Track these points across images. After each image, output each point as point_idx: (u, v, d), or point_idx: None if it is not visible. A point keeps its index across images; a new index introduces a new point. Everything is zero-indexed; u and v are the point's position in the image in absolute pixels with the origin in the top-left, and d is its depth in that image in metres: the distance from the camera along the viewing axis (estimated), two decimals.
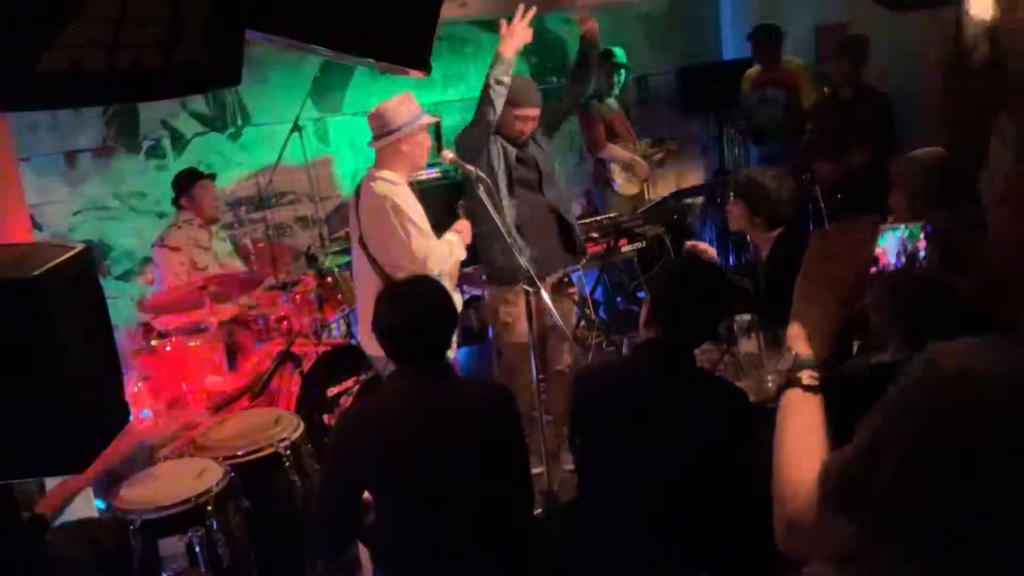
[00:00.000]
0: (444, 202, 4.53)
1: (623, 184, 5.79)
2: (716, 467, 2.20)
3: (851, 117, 4.89)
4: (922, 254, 1.17)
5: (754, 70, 5.71)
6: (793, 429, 1.20)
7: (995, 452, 0.91)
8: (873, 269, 1.22)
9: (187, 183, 4.60)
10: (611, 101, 5.84)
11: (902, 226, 1.20)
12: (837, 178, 4.87)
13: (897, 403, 1.00)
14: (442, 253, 3.44)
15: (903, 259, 1.19)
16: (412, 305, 2.33)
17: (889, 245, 1.20)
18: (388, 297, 2.40)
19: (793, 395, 1.23)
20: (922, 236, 1.17)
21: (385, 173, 3.48)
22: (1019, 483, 0.90)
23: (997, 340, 0.96)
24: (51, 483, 2.83)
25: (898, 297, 1.34)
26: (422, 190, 4.81)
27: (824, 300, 1.26)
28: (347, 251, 5.08)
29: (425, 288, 2.41)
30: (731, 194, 3.30)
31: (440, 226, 3.81)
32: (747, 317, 3.07)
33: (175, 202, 4.66)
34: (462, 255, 3.57)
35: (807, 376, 1.22)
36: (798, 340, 1.27)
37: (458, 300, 3.82)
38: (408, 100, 3.49)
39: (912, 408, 0.98)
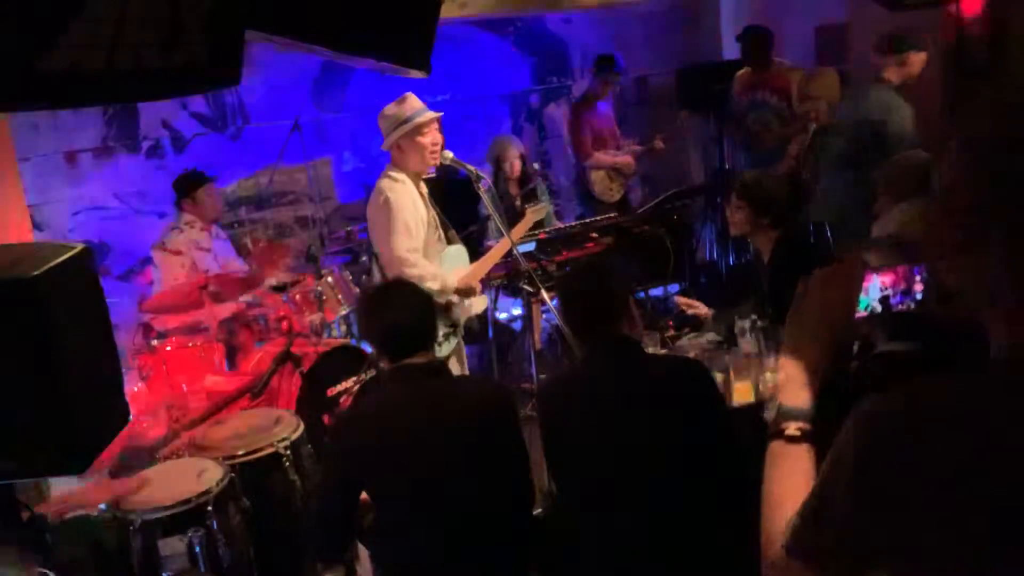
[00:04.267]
0: (442, 202, 4.52)
1: (603, 192, 5.80)
2: (697, 438, 2.23)
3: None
4: (919, 296, 1.17)
5: (744, 72, 5.68)
6: (775, 479, 1.22)
7: (932, 486, 0.91)
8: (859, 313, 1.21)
9: (191, 186, 4.57)
10: (603, 105, 5.83)
11: (882, 273, 1.19)
12: None
13: (837, 448, 1.01)
14: (420, 273, 3.40)
15: (879, 304, 1.19)
16: (389, 306, 2.40)
17: (872, 288, 1.20)
18: (366, 303, 2.51)
19: (776, 446, 1.24)
20: (918, 277, 1.17)
21: (392, 171, 3.58)
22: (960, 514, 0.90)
23: (947, 379, 0.96)
24: (56, 490, 2.84)
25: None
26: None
27: (810, 346, 1.25)
28: (347, 251, 5.09)
29: (398, 288, 2.53)
30: (733, 197, 3.32)
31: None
32: (747, 318, 3.08)
33: (176, 204, 4.63)
34: (437, 286, 3.44)
35: (792, 427, 1.23)
36: (784, 388, 1.27)
37: (482, 302, 3.84)
38: (403, 101, 3.54)
39: (848, 453, 0.99)
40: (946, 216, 0.97)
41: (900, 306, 1.18)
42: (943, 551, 0.91)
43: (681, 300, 3.46)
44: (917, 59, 4.32)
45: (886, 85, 4.27)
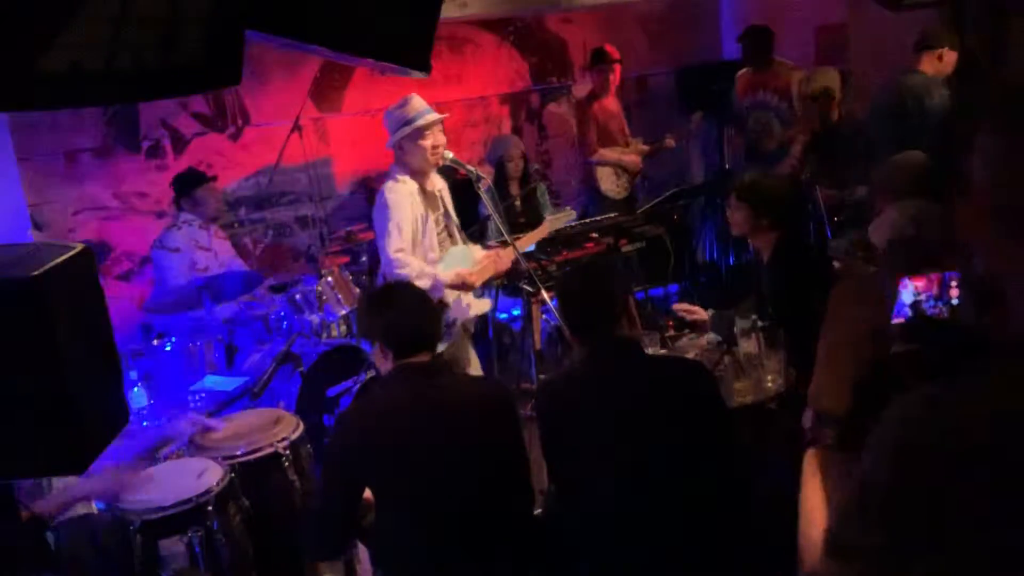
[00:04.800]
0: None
1: (610, 189, 5.79)
2: (697, 439, 2.23)
3: (839, 143, 4.92)
4: (955, 301, 1.17)
5: (745, 72, 5.67)
6: (812, 487, 1.22)
7: (967, 486, 0.92)
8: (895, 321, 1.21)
9: (190, 186, 4.57)
10: (610, 100, 5.83)
11: (915, 279, 1.19)
12: (835, 203, 4.90)
13: (873, 445, 1.02)
14: (408, 272, 3.43)
15: (911, 310, 1.19)
16: (395, 305, 2.43)
17: (904, 296, 1.20)
18: (371, 302, 2.52)
19: (813, 454, 1.25)
20: (953, 283, 1.17)
21: (395, 173, 3.61)
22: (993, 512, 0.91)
23: (963, 374, 0.97)
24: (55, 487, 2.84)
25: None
26: None
27: (844, 354, 1.26)
28: (347, 251, 5.09)
29: (404, 288, 2.60)
30: (731, 200, 3.33)
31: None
32: (747, 318, 3.09)
33: (175, 203, 4.64)
34: (427, 283, 3.43)
35: (827, 434, 1.24)
36: (820, 397, 1.27)
37: (484, 304, 3.85)
38: (408, 101, 3.55)
39: (884, 447, 0.99)
40: (978, 217, 0.97)
41: (933, 311, 1.18)
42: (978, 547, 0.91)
43: (679, 307, 3.45)
44: (950, 57, 4.41)
45: (920, 73, 4.37)
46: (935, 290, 1.18)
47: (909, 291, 1.19)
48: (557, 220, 4.06)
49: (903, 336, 1.19)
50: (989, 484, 0.90)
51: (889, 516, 0.97)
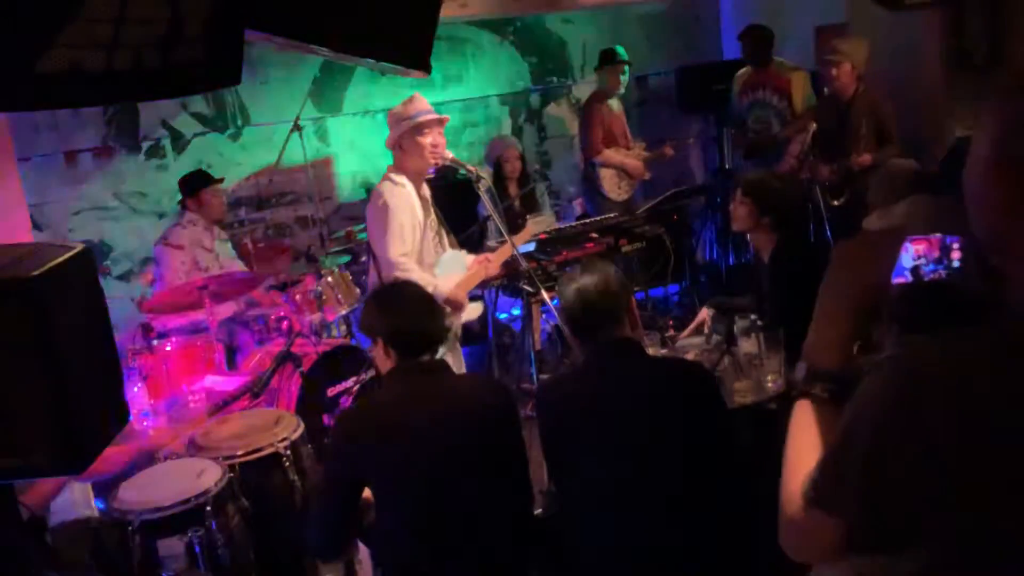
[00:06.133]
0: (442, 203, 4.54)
1: (612, 190, 5.78)
2: (697, 439, 2.24)
3: (849, 119, 4.89)
4: (956, 264, 1.17)
5: (745, 71, 5.67)
6: (799, 439, 1.22)
7: (951, 432, 0.94)
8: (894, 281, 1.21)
9: (196, 187, 4.57)
10: (614, 102, 5.83)
11: (916, 242, 1.19)
12: (836, 181, 4.88)
13: (862, 396, 1.04)
14: (412, 277, 3.38)
15: (910, 274, 1.19)
16: (396, 305, 2.43)
17: (904, 260, 1.19)
18: (375, 302, 2.51)
19: (803, 406, 1.24)
20: (956, 246, 1.17)
21: (393, 174, 3.60)
22: (977, 462, 0.93)
23: (961, 333, 0.99)
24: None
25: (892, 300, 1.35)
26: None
27: (843, 310, 1.25)
28: (347, 251, 5.10)
29: (406, 289, 2.58)
30: (737, 193, 3.33)
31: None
32: (747, 318, 3.09)
33: (181, 203, 4.64)
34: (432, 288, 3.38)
35: (819, 388, 1.23)
36: (814, 351, 1.26)
37: (475, 310, 3.84)
38: (410, 101, 3.58)
39: (874, 399, 1.02)
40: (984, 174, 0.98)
41: (932, 276, 1.18)
42: (967, 499, 0.92)
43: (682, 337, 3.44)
44: None
45: None
46: (936, 253, 1.18)
47: (909, 254, 1.19)
48: (538, 224, 4.09)
49: (900, 298, 1.19)
50: (973, 443, 0.92)
51: (868, 466, 0.99)
